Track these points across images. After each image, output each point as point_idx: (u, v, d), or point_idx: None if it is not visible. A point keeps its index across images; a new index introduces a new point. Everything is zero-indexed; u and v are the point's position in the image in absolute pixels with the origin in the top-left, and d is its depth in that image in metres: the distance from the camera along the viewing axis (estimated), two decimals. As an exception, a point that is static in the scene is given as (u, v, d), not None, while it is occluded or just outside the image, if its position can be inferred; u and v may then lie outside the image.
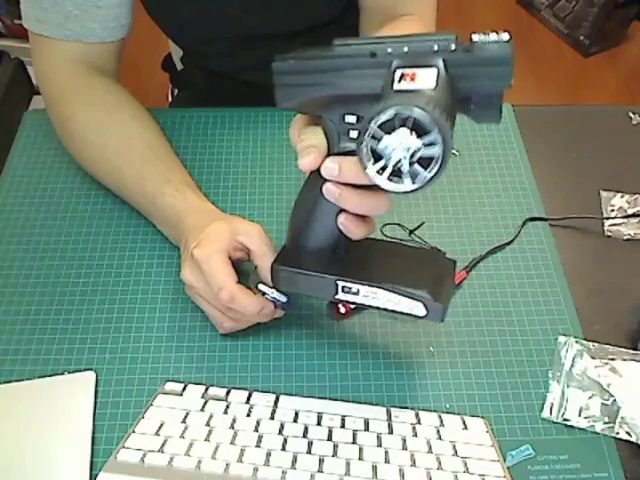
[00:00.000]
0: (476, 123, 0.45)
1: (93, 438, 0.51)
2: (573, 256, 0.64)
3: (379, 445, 0.48)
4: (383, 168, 0.41)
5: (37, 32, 0.64)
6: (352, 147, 0.44)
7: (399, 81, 0.40)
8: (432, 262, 0.52)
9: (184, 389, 0.52)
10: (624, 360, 0.56)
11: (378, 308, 0.49)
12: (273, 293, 0.53)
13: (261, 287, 0.53)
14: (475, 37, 0.40)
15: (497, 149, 0.73)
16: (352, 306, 0.59)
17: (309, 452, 0.46)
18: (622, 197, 0.69)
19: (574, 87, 1.92)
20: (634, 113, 0.77)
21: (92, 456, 0.50)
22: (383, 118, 0.39)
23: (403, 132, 0.39)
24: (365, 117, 0.40)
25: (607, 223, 0.67)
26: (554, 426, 0.53)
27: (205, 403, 0.51)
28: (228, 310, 0.52)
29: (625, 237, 0.66)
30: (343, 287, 0.49)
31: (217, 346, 0.57)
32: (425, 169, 0.40)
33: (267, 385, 0.55)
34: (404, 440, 0.49)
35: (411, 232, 0.65)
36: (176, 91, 1.04)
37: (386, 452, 0.47)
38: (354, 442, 0.48)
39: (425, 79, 0.40)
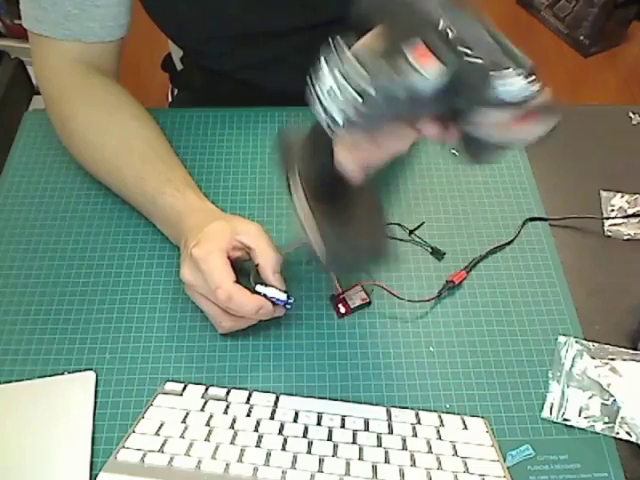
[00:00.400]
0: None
1: (93, 438, 0.51)
2: (573, 256, 0.64)
3: (379, 445, 0.48)
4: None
5: (36, 32, 0.64)
6: None
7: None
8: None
9: (184, 389, 0.52)
10: (624, 360, 0.56)
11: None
12: (272, 293, 0.53)
13: (259, 288, 0.53)
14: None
15: (497, 149, 0.73)
16: (352, 306, 0.59)
17: (309, 452, 0.46)
18: (622, 197, 0.69)
19: (574, 87, 1.92)
20: (634, 113, 0.77)
21: (92, 456, 0.50)
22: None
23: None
24: None
25: (607, 223, 0.67)
26: (554, 426, 0.53)
27: (205, 403, 0.51)
28: (226, 309, 0.52)
29: (625, 237, 0.66)
30: None
31: (217, 346, 0.57)
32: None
33: (267, 385, 0.55)
34: (404, 440, 0.49)
35: (411, 232, 0.65)
36: (176, 91, 1.04)
37: (386, 452, 0.47)
38: (354, 442, 0.48)
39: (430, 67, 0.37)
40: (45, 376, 0.55)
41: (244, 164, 0.71)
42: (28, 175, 0.69)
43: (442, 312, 0.60)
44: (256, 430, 0.48)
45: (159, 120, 0.68)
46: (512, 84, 0.38)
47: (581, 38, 1.99)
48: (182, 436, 0.47)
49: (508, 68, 0.38)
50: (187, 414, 0.49)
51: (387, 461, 0.46)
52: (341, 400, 0.53)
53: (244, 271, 0.55)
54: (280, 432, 0.48)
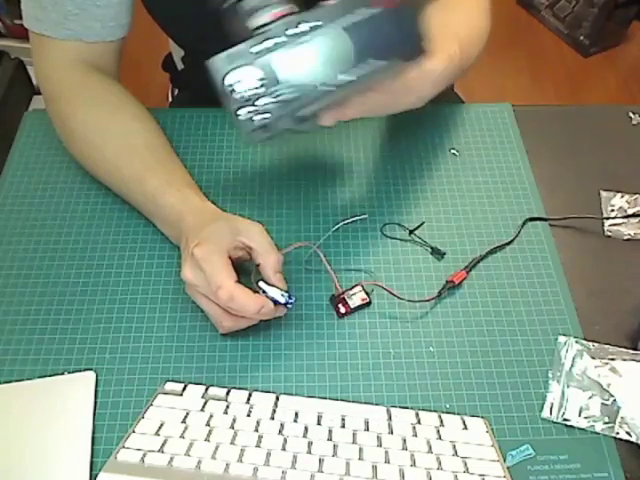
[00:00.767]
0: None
1: (93, 438, 0.51)
2: (573, 256, 0.64)
3: (379, 445, 0.48)
4: None
5: (37, 31, 0.64)
6: None
7: None
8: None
9: (184, 389, 0.52)
10: (624, 360, 0.56)
11: None
12: (273, 291, 0.53)
13: (262, 285, 0.53)
14: None
15: (497, 149, 0.73)
16: (352, 306, 0.59)
17: (309, 452, 0.46)
18: (622, 197, 0.69)
19: (574, 87, 1.92)
20: (634, 113, 0.77)
21: (92, 456, 0.50)
22: None
23: None
24: None
25: (607, 223, 0.67)
26: (554, 426, 0.53)
27: (205, 403, 0.51)
28: (228, 309, 0.52)
29: (625, 237, 0.66)
30: None
31: (217, 346, 0.57)
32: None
33: (267, 385, 0.55)
34: (404, 440, 0.49)
35: (411, 232, 0.65)
36: (176, 91, 1.04)
37: (386, 452, 0.47)
38: (354, 442, 0.48)
39: None
40: (45, 376, 0.55)
41: (244, 164, 0.71)
42: (28, 175, 0.69)
43: (442, 312, 0.60)
44: (256, 430, 0.48)
45: (159, 120, 0.68)
46: None
47: (581, 38, 1.99)
48: (182, 436, 0.47)
49: None
50: (187, 414, 0.49)
51: (387, 461, 0.46)
52: (341, 400, 0.53)
53: (245, 271, 0.55)
54: (280, 432, 0.48)
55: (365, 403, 0.53)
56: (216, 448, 0.46)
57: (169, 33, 0.82)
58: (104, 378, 0.55)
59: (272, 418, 0.50)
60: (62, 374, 0.55)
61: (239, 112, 0.47)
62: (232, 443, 0.47)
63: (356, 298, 0.59)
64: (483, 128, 0.74)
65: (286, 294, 0.54)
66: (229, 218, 0.58)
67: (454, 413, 0.53)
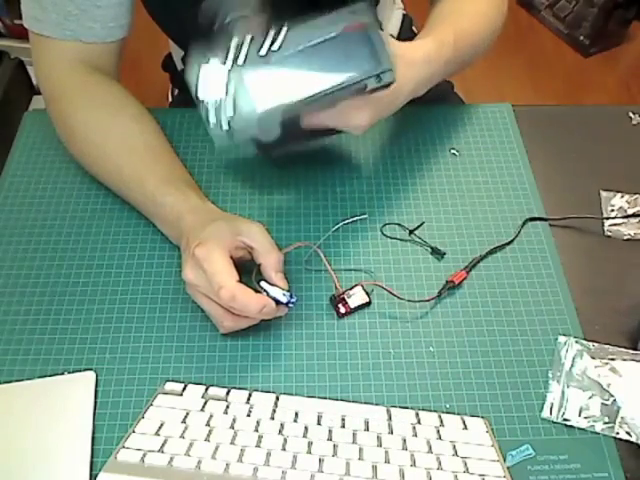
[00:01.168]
0: None
1: (93, 438, 0.51)
2: (573, 256, 0.64)
3: (379, 445, 0.48)
4: None
5: (37, 31, 0.64)
6: None
7: None
8: None
9: (184, 389, 0.52)
10: (624, 360, 0.56)
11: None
12: (275, 291, 0.53)
13: (263, 284, 0.54)
14: None
15: (497, 149, 0.73)
16: (352, 306, 0.59)
17: (309, 452, 0.46)
18: (622, 197, 0.69)
19: (574, 87, 1.92)
20: (634, 113, 0.77)
21: (92, 456, 0.50)
22: None
23: None
24: None
25: (607, 223, 0.67)
26: (554, 426, 0.53)
27: (205, 403, 0.51)
28: (230, 309, 0.52)
29: (625, 237, 0.66)
30: None
31: (217, 346, 0.57)
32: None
33: (267, 385, 0.55)
34: (404, 440, 0.49)
35: (411, 232, 0.65)
36: (176, 91, 1.04)
37: (386, 452, 0.47)
38: (354, 442, 0.48)
39: None
40: (45, 376, 0.55)
41: (244, 164, 0.71)
42: (28, 175, 0.69)
43: (442, 312, 0.60)
44: (256, 430, 0.48)
45: (159, 120, 0.68)
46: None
47: (581, 38, 1.99)
48: (182, 436, 0.47)
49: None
50: (187, 414, 0.49)
51: (387, 461, 0.46)
52: (341, 400, 0.53)
53: (246, 271, 0.55)
54: (280, 432, 0.48)
55: (365, 403, 0.53)
56: (216, 448, 0.46)
57: (169, 33, 0.82)
58: (104, 378, 0.55)
59: (272, 418, 0.50)
60: (62, 374, 0.55)
61: (209, 119, 0.50)
62: (232, 443, 0.47)
63: (356, 298, 0.59)
64: (483, 128, 0.74)
65: (287, 293, 0.54)
66: (229, 218, 0.58)
67: (454, 413, 0.53)
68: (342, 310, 0.59)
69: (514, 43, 1.99)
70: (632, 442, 0.52)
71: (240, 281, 0.52)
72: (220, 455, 0.45)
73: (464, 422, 0.52)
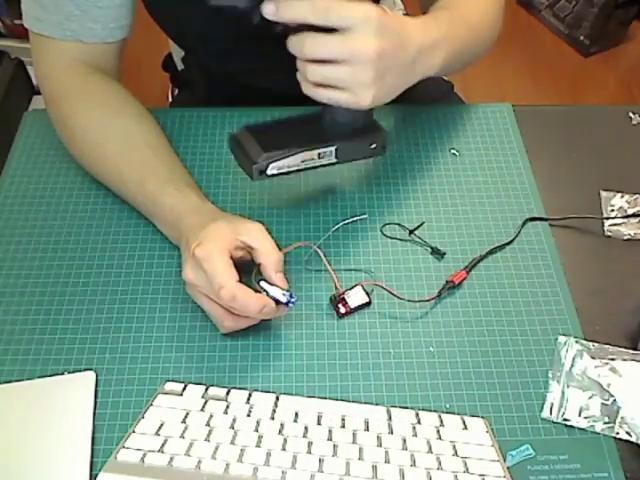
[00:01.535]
0: None
1: (93, 438, 0.51)
2: (573, 256, 0.64)
3: (379, 445, 0.48)
4: None
5: (37, 31, 0.64)
6: None
7: None
8: None
9: (184, 389, 0.52)
10: (624, 360, 0.56)
11: None
12: (275, 291, 0.53)
13: (263, 284, 0.54)
14: None
15: (497, 149, 0.73)
16: (352, 306, 0.59)
17: (309, 452, 0.46)
18: (622, 197, 0.69)
19: (574, 87, 1.92)
20: (634, 113, 0.77)
21: (92, 456, 0.50)
22: None
23: None
24: None
25: (607, 223, 0.67)
26: (554, 426, 0.53)
27: (205, 403, 0.51)
28: (230, 309, 0.52)
29: (625, 237, 0.66)
30: None
31: (217, 346, 0.57)
32: None
33: (267, 385, 0.55)
34: (404, 440, 0.49)
35: (411, 232, 0.65)
36: (176, 91, 1.04)
37: (386, 452, 0.47)
38: (354, 442, 0.48)
39: None
40: (45, 376, 0.55)
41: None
42: (28, 175, 0.70)
43: (442, 312, 0.60)
44: (256, 430, 0.48)
45: (159, 120, 0.68)
46: None
47: (581, 38, 1.99)
48: (182, 436, 0.47)
49: None
50: (187, 414, 0.49)
51: (387, 461, 0.46)
52: (341, 400, 0.53)
53: (245, 271, 0.55)
54: (280, 432, 0.48)
55: (365, 403, 0.53)
56: (216, 448, 0.46)
57: (169, 33, 0.82)
58: (104, 378, 0.55)
59: (272, 418, 0.50)
60: (62, 374, 0.55)
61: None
62: (232, 443, 0.47)
63: (356, 298, 0.59)
64: (483, 128, 0.74)
65: (287, 293, 0.54)
66: (229, 218, 0.58)
67: (454, 413, 0.53)
68: (342, 310, 0.59)
69: (514, 43, 1.99)
70: (632, 442, 0.52)
71: (240, 281, 0.52)
72: (220, 455, 0.45)
73: (464, 422, 0.52)
